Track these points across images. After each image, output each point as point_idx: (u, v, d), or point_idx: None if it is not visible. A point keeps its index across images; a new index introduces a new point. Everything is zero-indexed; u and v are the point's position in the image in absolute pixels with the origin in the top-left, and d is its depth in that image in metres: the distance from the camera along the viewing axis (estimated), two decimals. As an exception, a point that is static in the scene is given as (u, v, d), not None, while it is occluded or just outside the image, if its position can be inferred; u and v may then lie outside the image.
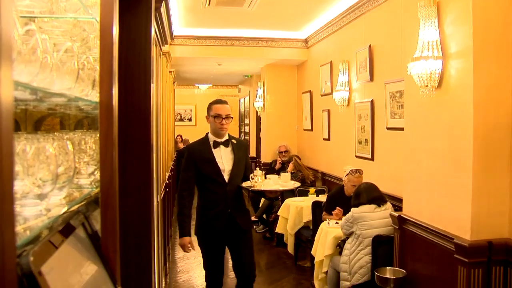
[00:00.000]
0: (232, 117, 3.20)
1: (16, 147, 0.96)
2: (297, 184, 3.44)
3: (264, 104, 8.27)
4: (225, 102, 3.23)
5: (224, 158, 3.18)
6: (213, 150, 3.17)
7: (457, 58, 2.73)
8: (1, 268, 0.61)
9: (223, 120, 3.14)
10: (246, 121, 11.74)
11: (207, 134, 3.27)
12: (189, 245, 3.11)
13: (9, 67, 0.65)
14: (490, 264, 2.56)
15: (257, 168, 3.13)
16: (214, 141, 3.20)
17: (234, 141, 3.26)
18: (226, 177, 3.15)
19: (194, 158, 3.17)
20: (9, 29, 0.65)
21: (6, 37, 0.62)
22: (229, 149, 3.21)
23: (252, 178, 3.10)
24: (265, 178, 3.15)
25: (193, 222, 3.22)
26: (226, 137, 3.22)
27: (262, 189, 3.08)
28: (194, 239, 3.21)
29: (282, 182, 3.21)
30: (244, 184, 3.16)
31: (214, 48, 7.05)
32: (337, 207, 4.36)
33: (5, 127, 0.62)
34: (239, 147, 3.27)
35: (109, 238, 1.37)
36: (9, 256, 0.64)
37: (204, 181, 3.17)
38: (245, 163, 3.28)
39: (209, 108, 3.24)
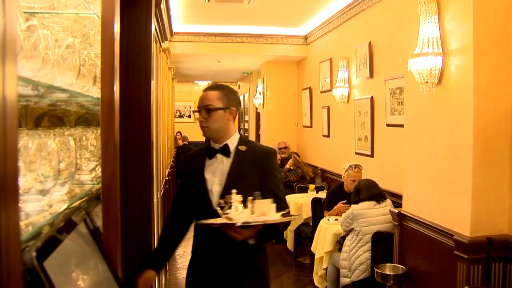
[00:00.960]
0: (216, 109, 2.01)
1: (18, 143, 0.96)
2: (288, 219, 1.95)
3: (263, 100, 8.27)
4: (210, 88, 2.08)
5: (218, 174, 2.04)
6: (207, 161, 2.08)
7: (457, 55, 2.73)
8: (6, 263, 0.62)
9: (200, 115, 2.04)
10: (246, 118, 11.75)
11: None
12: (145, 284, 1.96)
13: (13, 63, 0.65)
14: (489, 260, 2.57)
15: (234, 191, 1.86)
16: (209, 148, 2.10)
17: (242, 147, 2.08)
18: (216, 204, 1.97)
19: (184, 171, 2.20)
20: (13, 25, 0.65)
21: (11, 34, 0.62)
22: (229, 160, 2.06)
23: (223, 207, 1.87)
24: (245, 206, 1.86)
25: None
26: (228, 141, 2.07)
27: (226, 221, 1.81)
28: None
29: (258, 212, 1.84)
30: (205, 221, 1.90)
31: (213, 45, 7.04)
32: (340, 202, 4.37)
33: (9, 123, 0.62)
34: (250, 158, 2.06)
35: (110, 234, 1.38)
36: (14, 251, 0.65)
37: (191, 207, 2.11)
38: (258, 184, 2.00)
39: None
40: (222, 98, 2.04)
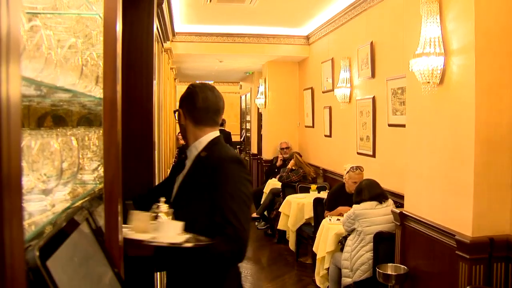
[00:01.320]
0: (176, 111, 1.92)
1: (21, 143, 0.97)
2: (191, 244, 1.54)
3: (265, 101, 8.27)
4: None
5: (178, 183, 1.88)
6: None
7: (459, 55, 2.73)
8: (10, 262, 0.62)
9: None
10: (248, 118, 11.75)
11: None
12: None
13: (17, 64, 0.65)
14: (491, 260, 2.57)
15: (162, 199, 1.69)
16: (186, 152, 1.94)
17: (203, 154, 1.81)
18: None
19: (173, 171, 2.03)
20: (17, 26, 0.65)
21: (14, 34, 0.63)
22: (188, 167, 1.86)
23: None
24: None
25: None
26: (192, 145, 1.86)
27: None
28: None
29: (136, 228, 1.60)
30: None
31: (215, 45, 7.04)
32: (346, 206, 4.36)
33: (13, 122, 0.62)
34: (205, 167, 1.75)
35: (113, 234, 1.38)
36: (17, 250, 0.65)
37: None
38: (207, 202, 1.67)
39: None
40: (179, 100, 1.92)
